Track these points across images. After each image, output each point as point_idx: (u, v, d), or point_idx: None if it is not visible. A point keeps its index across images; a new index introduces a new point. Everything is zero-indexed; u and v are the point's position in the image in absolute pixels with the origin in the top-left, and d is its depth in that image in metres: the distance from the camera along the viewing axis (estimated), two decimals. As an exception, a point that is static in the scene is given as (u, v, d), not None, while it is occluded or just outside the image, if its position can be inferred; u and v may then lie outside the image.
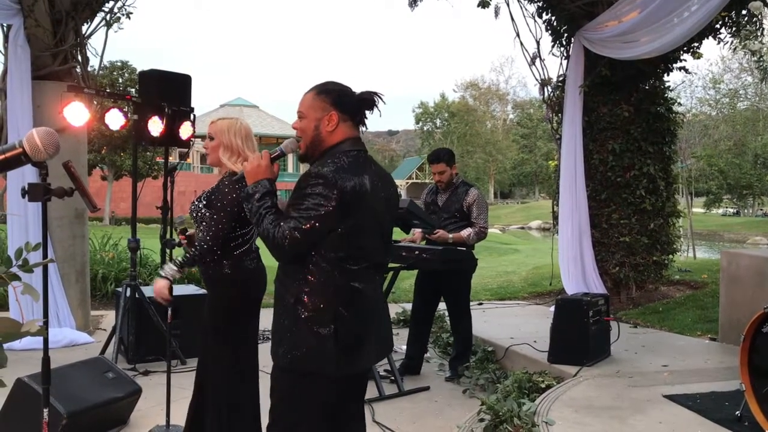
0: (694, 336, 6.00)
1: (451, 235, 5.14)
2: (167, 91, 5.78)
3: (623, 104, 7.48)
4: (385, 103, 2.43)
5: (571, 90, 7.42)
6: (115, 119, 5.80)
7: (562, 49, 8.00)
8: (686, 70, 7.93)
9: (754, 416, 3.45)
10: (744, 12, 7.22)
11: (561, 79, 7.94)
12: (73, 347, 6.00)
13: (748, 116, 33.36)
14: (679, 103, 8.73)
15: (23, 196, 2.31)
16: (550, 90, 8.12)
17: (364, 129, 2.46)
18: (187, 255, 3.19)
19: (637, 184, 7.44)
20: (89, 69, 6.94)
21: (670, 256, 7.93)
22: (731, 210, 44.47)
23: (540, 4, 7.96)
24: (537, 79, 8.15)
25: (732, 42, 7.67)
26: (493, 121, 67.36)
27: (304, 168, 2.68)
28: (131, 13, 7.21)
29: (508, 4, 7.91)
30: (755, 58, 9.62)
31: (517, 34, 8.01)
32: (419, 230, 5.40)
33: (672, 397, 4.08)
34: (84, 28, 6.75)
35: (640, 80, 7.54)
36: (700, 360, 5.08)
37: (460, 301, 5.35)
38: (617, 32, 6.71)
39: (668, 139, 7.76)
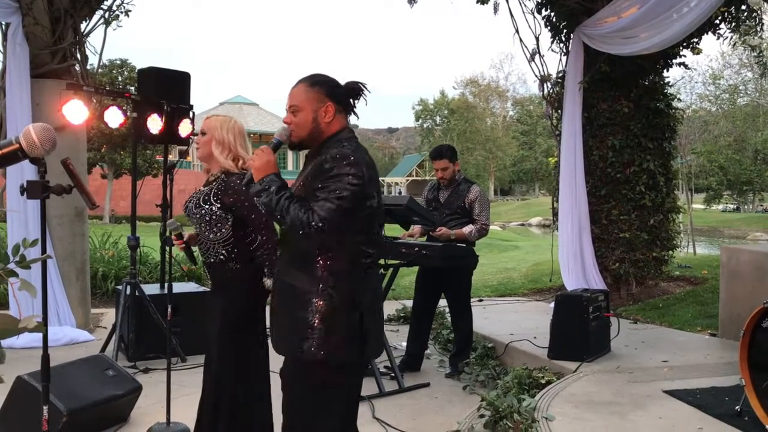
0: (694, 331, 6.01)
1: (453, 232, 5.14)
2: (166, 89, 5.77)
3: (623, 100, 7.47)
4: (370, 92, 2.44)
5: (571, 86, 7.42)
6: (114, 117, 5.79)
7: (561, 45, 8.00)
8: (686, 66, 7.93)
9: (754, 411, 3.46)
10: (743, 7, 7.21)
11: (560, 75, 7.94)
12: (73, 345, 6.00)
13: (748, 112, 33.31)
14: (679, 99, 8.73)
15: (22, 194, 2.31)
16: (549, 86, 8.12)
17: (356, 119, 2.48)
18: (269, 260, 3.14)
19: (636, 180, 7.44)
20: (88, 67, 6.93)
21: (670, 252, 7.93)
22: (731, 206, 44.44)
23: (539, 0, 7.95)
24: (536, 76, 8.16)
25: (732, 37, 7.66)
26: (493, 117, 67.29)
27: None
28: (130, 11, 7.21)
29: (507, 1, 7.91)
30: (755, 54, 9.62)
31: (517, 31, 8.02)
32: (418, 226, 5.40)
33: (672, 393, 4.08)
34: (83, 26, 6.74)
35: (639, 76, 7.54)
36: (700, 355, 5.08)
37: (460, 298, 5.35)
38: (617, 28, 6.70)
39: (668, 135, 7.76)
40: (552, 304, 5.46)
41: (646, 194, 7.44)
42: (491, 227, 5.57)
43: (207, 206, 3.16)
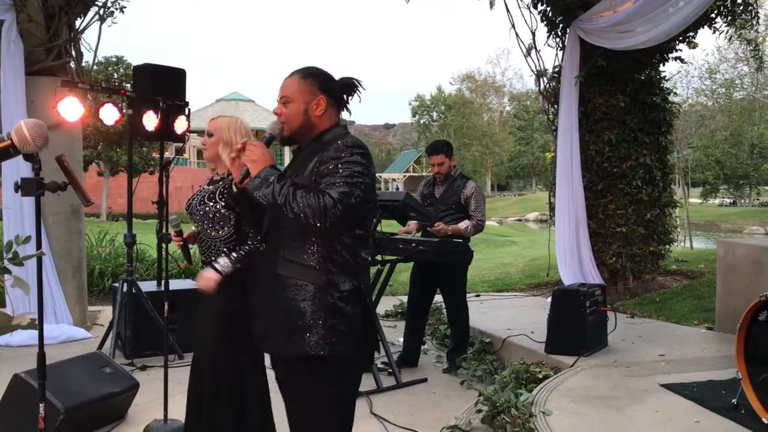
0: (690, 325, 6.02)
1: (449, 228, 5.14)
2: (162, 86, 5.76)
3: (619, 95, 7.47)
4: (364, 89, 2.41)
5: (567, 81, 7.41)
6: (110, 114, 5.78)
7: (557, 40, 7.98)
8: (682, 60, 7.93)
9: (751, 404, 3.47)
10: (739, 1, 7.22)
11: (557, 70, 7.93)
12: (70, 343, 6.00)
13: (745, 106, 33.35)
14: (675, 93, 8.72)
15: (16, 191, 2.30)
16: (545, 81, 8.11)
17: (349, 119, 2.45)
18: (241, 251, 3.14)
19: (633, 175, 7.44)
20: (83, 64, 6.91)
21: (667, 246, 7.94)
22: (728, 200, 44.53)
23: (535, -6, 7.94)
24: (533, 71, 8.14)
25: (728, 31, 7.66)
26: (490, 113, 67.31)
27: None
28: (125, 7, 7.19)
29: (502, -5, 7.89)
30: (751, 48, 9.61)
31: (513, 26, 7.99)
32: (414, 222, 5.40)
33: (669, 386, 4.09)
34: (77, 22, 6.72)
35: (635, 70, 7.53)
36: (696, 349, 5.09)
37: (456, 293, 5.35)
38: (612, 22, 6.69)
39: (664, 130, 7.76)
40: (549, 299, 5.46)
41: (642, 189, 7.44)
42: (488, 223, 5.58)
43: (212, 203, 3.16)
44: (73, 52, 6.69)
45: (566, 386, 4.17)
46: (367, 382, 4.50)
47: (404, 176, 64.18)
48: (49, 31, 6.41)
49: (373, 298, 4.07)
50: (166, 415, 3.87)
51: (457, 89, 66.61)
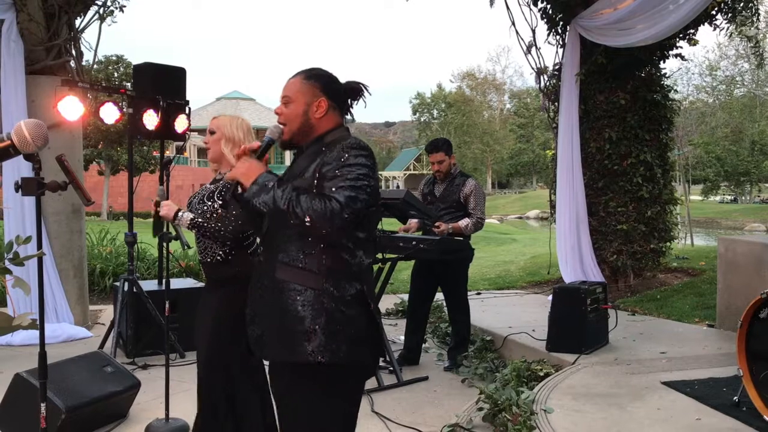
0: (692, 323, 6.02)
1: (450, 226, 5.14)
2: (162, 85, 5.76)
3: (620, 92, 7.46)
4: (370, 94, 2.35)
5: (568, 78, 7.40)
6: (110, 113, 5.78)
7: (557, 37, 7.98)
8: (682, 57, 7.91)
9: (752, 401, 3.46)
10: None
11: (557, 67, 7.93)
12: (71, 342, 6.00)
13: (745, 103, 33.36)
14: (676, 91, 8.78)
15: (17, 191, 2.30)
16: (546, 79, 8.11)
17: (349, 119, 2.38)
18: (204, 222, 3.12)
19: (634, 172, 7.44)
20: (84, 63, 6.91)
21: (668, 244, 7.94)
22: (729, 197, 44.55)
23: (535, -8, 7.93)
24: (533, 68, 8.14)
25: (728, 28, 7.65)
26: (490, 111, 67.29)
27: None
28: (124, 6, 7.21)
29: (503, -7, 7.88)
30: (751, 45, 9.59)
31: (513, 23, 7.99)
32: (415, 220, 5.40)
33: (670, 384, 4.09)
34: (77, 22, 6.72)
35: (636, 68, 7.53)
36: (698, 346, 5.09)
37: (457, 291, 5.35)
38: (613, 20, 6.69)
39: (665, 127, 7.76)
40: (550, 297, 5.46)
41: (643, 186, 7.44)
42: (488, 220, 5.58)
43: (210, 203, 3.16)
44: (73, 51, 6.69)
45: (567, 384, 4.17)
46: (368, 381, 4.50)
47: (405, 174, 64.16)
48: (49, 31, 6.40)
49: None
50: (167, 414, 3.88)
51: (458, 87, 66.63)
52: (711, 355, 4.80)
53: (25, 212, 6.09)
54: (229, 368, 3.17)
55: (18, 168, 5.74)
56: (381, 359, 4.96)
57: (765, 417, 3.36)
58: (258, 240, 3.13)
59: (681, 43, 7.69)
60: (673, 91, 8.12)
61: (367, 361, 2.20)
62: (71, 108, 5.65)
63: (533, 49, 8.03)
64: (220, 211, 3.12)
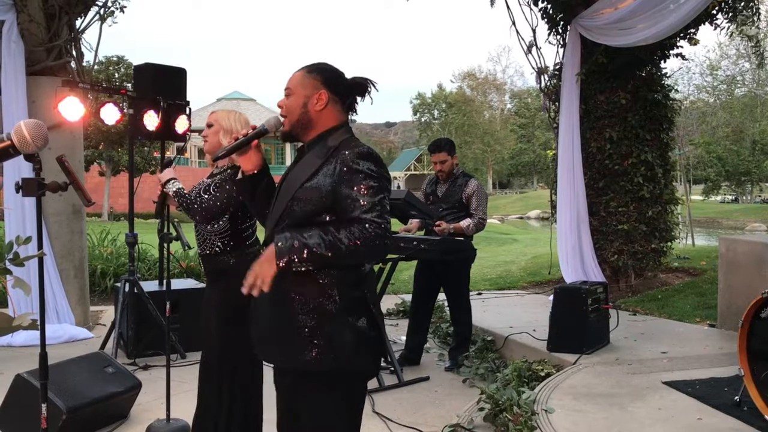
0: (693, 323, 6.01)
1: (451, 226, 5.13)
2: (162, 85, 5.76)
3: (620, 92, 7.46)
4: (378, 90, 2.28)
5: (568, 78, 7.40)
6: (110, 114, 5.78)
7: (558, 37, 7.98)
8: (683, 57, 7.91)
9: (753, 401, 3.46)
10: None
11: (558, 67, 7.92)
12: (72, 343, 6.00)
13: (746, 102, 33.34)
14: (677, 90, 8.77)
15: (17, 191, 2.30)
16: (546, 79, 8.11)
17: (354, 116, 2.34)
18: (187, 193, 3.18)
19: (634, 172, 7.43)
20: (84, 64, 6.92)
21: (669, 244, 7.93)
22: (730, 197, 44.52)
23: (535, -9, 7.93)
24: (534, 68, 8.14)
25: (729, 28, 7.64)
26: (491, 111, 67.23)
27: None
28: (125, 6, 7.20)
29: (503, -7, 7.88)
30: (752, 44, 9.59)
31: (513, 23, 7.99)
32: (416, 220, 5.40)
33: (671, 384, 4.08)
34: (78, 22, 6.72)
35: (636, 67, 7.52)
36: (699, 346, 5.08)
37: (459, 292, 5.35)
38: (613, 19, 6.68)
39: (666, 127, 7.75)
40: (551, 297, 5.46)
41: (644, 186, 7.43)
42: (489, 221, 5.57)
43: (207, 196, 3.18)
44: (74, 52, 6.69)
45: (568, 384, 4.16)
46: (369, 381, 4.51)
47: (405, 175, 64.15)
48: (49, 31, 6.41)
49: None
50: (168, 415, 3.87)
51: (458, 87, 66.57)
52: (712, 355, 4.79)
53: (25, 213, 6.10)
54: (237, 365, 3.17)
55: (19, 169, 5.74)
56: (383, 360, 4.98)
57: (766, 417, 3.36)
58: (255, 232, 3.16)
59: (682, 42, 7.69)
60: (673, 90, 8.12)
61: (370, 366, 2.18)
62: (72, 109, 5.65)
63: (534, 49, 8.04)
64: (218, 204, 3.14)
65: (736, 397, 3.62)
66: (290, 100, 2.23)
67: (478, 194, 5.24)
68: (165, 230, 3.83)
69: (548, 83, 8.10)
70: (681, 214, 9.82)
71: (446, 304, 5.76)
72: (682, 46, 7.74)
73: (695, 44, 7.77)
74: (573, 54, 7.37)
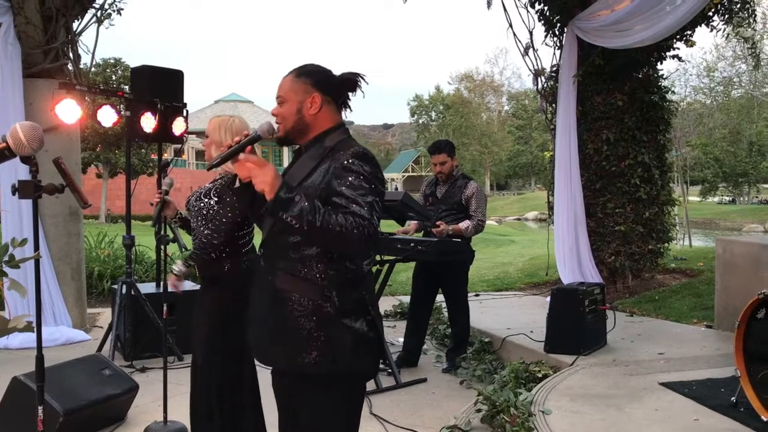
0: (690, 323, 6.02)
1: (450, 227, 5.14)
2: (159, 87, 5.77)
3: (617, 93, 7.47)
4: (368, 83, 2.24)
5: (565, 80, 7.41)
6: (107, 116, 5.79)
7: (555, 39, 7.99)
8: (680, 59, 7.94)
9: (750, 402, 3.47)
10: (736, -1, 7.22)
11: (554, 69, 7.94)
12: (70, 345, 5.99)
13: (743, 104, 33.39)
14: (673, 92, 8.75)
15: (13, 194, 2.30)
16: (543, 80, 8.12)
17: (348, 112, 2.30)
18: (193, 252, 3.19)
19: (631, 173, 7.44)
20: (81, 66, 6.91)
21: (666, 245, 7.94)
22: (727, 198, 44.57)
23: (532, -7, 7.94)
24: (531, 70, 8.15)
25: (725, 29, 7.66)
26: (489, 112, 67.29)
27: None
28: (122, 9, 7.19)
29: (500, -6, 7.89)
30: (748, 46, 9.61)
31: (510, 25, 8.00)
32: (414, 222, 5.40)
33: (668, 385, 4.09)
34: (75, 25, 6.72)
35: (633, 69, 7.53)
36: (696, 347, 5.09)
37: (457, 293, 5.35)
38: (610, 21, 6.70)
39: (662, 128, 7.77)
40: (548, 298, 5.46)
41: (641, 187, 7.44)
42: (487, 222, 5.57)
43: (206, 200, 3.22)
44: (71, 55, 6.69)
45: (565, 385, 4.17)
46: (366, 383, 4.51)
47: (403, 176, 64.18)
48: (46, 34, 6.40)
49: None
50: (165, 417, 3.87)
51: (456, 89, 66.60)
52: (709, 356, 4.80)
53: (22, 215, 6.08)
54: (225, 368, 3.18)
55: (15, 171, 5.73)
56: (381, 362, 4.98)
57: (762, 417, 3.37)
58: (252, 239, 3.17)
59: (678, 44, 7.71)
60: (670, 92, 8.12)
61: (368, 367, 2.18)
62: (69, 111, 5.66)
63: (531, 51, 8.05)
64: (216, 207, 3.15)
65: (733, 398, 3.63)
66: (284, 107, 2.21)
67: (478, 196, 5.24)
68: (162, 232, 3.83)
69: (545, 85, 8.11)
70: (678, 216, 9.83)
71: (444, 305, 5.76)
72: (678, 48, 7.77)
73: (692, 46, 7.79)
74: (570, 56, 7.39)
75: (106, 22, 7.06)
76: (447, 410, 4.30)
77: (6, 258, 1.64)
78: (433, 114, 69.68)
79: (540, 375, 4.49)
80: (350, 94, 2.26)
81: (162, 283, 4.30)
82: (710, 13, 7.34)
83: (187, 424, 3.48)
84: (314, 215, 1.92)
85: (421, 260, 5.24)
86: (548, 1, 7.80)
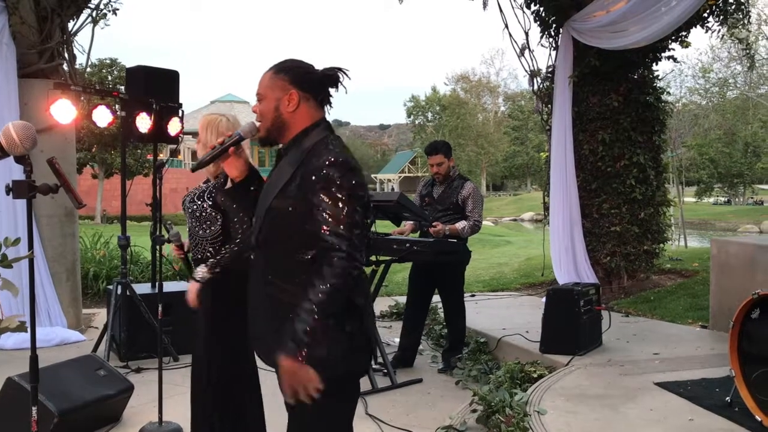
0: (685, 324, 6.04)
1: (447, 228, 5.14)
2: (155, 88, 5.76)
3: (612, 94, 7.48)
4: (350, 78, 2.18)
5: (561, 81, 7.43)
6: (103, 116, 5.77)
7: (550, 40, 8.01)
8: (675, 60, 7.95)
9: (744, 401, 3.48)
10: (731, 0, 7.24)
11: (550, 70, 7.95)
12: (64, 346, 5.97)
13: (738, 105, 33.46)
14: (669, 93, 8.77)
15: (8, 194, 2.29)
16: (539, 81, 8.13)
17: (329, 108, 2.24)
18: (218, 257, 3.17)
19: (627, 174, 7.46)
20: (77, 66, 6.90)
21: (661, 245, 7.96)
22: (722, 199, 44.68)
23: (528, -6, 7.96)
24: (526, 71, 8.17)
25: (720, 30, 7.68)
26: (485, 113, 67.30)
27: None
28: (117, 9, 7.18)
29: (495, -5, 7.91)
30: (743, 47, 9.64)
31: (506, 26, 8.02)
32: (410, 222, 5.40)
33: (663, 385, 4.10)
34: (70, 25, 6.70)
35: (629, 70, 7.55)
36: (691, 347, 5.11)
37: (453, 294, 5.36)
38: (605, 22, 6.72)
39: (658, 129, 7.78)
40: (544, 299, 5.47)
41: (636, 188, 7.46)
42: (483, 223, 5.58)
43: (200, 202, 3.23)
44: (66, 55, 6.67)
45: (561, 385, 4.17)
46: (362, 383, 4.49)
47: (399, 177, 64.16)
48: (41, 34, 6.39)
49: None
50: (161, 417, 3.87)
51: (452, 90, 66.63)
52: (704, 356, 4.81)
53: (17, 215, 6.07)
54: (225, 364, 3.17)
55: (10, 171, 5.71)
56: (376, 362, 4.98)
57: (757, 417, 3.38)
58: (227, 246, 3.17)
59: (673, 45, 7.73)
60: (665, 93, 8.14)
61: (360, 366, 2.20)
62: (64, 111, 5.64)
63: (526, 52, 8.06)
64: (209, 210, 3.17)
65: (728, 398, 3.64)
66: (263, 104, 2.18)
67: (474, 196, 5.25)
68: (157, 232, 3.83)
69: (541, 86, 8.13)
70: (673, 216, 9.85)
71: (440, 305, 5.76)
72: (674, 49, 7.79)
73: (687, 47, 7.81)
74: (565, 57, 7.40)
75: (101, 22, 7.07)
76: (442, 410, 4.31)
77: (-1, 258, 1.64)
78: (430, 115, 69.70)
79: (535, 375, 4.49)
80: (332, 90, 2.20)
81: (158, 283, 4.29)
82: (705, 14, 7.36)
83: (183, 424, 3.48)
84: (313, 317, 1.94)
85: (417, 260, 5.24)
86: (544, 2, 7.81)
